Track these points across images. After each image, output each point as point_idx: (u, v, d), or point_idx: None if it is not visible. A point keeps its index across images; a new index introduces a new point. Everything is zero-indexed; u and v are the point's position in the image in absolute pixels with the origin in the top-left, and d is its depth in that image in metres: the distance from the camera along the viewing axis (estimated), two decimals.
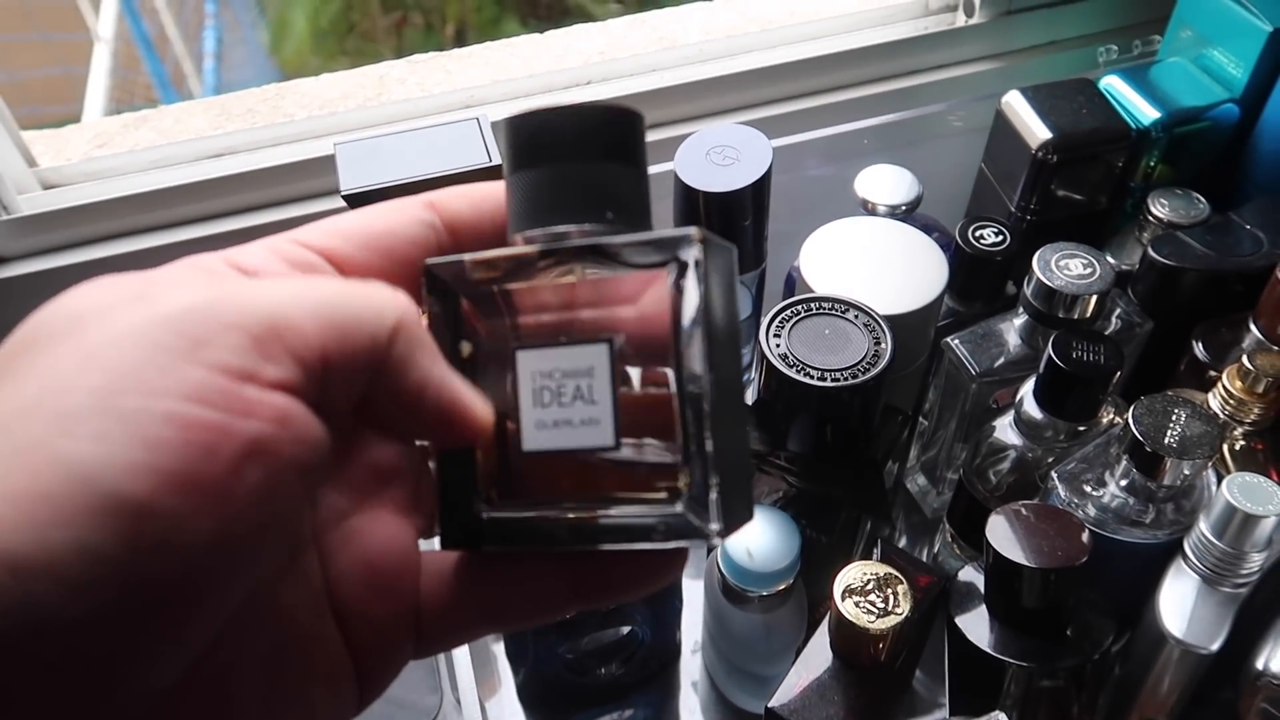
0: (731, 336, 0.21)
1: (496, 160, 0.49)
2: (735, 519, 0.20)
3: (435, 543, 0.23)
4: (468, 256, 0.21)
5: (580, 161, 0.21)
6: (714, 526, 0.20)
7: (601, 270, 0.21)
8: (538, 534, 0.21)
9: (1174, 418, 0.44)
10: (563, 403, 0.21)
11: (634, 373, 0.20)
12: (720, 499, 0.20)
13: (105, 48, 2.46)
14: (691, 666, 0.60)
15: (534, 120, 0.21)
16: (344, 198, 0.48)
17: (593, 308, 0.21)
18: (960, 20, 0.73)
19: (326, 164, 0.64)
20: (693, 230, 0.20)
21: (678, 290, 0.20)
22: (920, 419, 0.61)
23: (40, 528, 0.15)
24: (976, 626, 0.46)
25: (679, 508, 0.20)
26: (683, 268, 0.20)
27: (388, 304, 0.20)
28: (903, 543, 0.67)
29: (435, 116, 0.68)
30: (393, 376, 0.20)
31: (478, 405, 0.21)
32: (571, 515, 0.21)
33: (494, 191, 0.23)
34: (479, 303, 0.22)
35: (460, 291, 0.22)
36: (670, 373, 0.20)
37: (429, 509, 0.23)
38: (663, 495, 0.20)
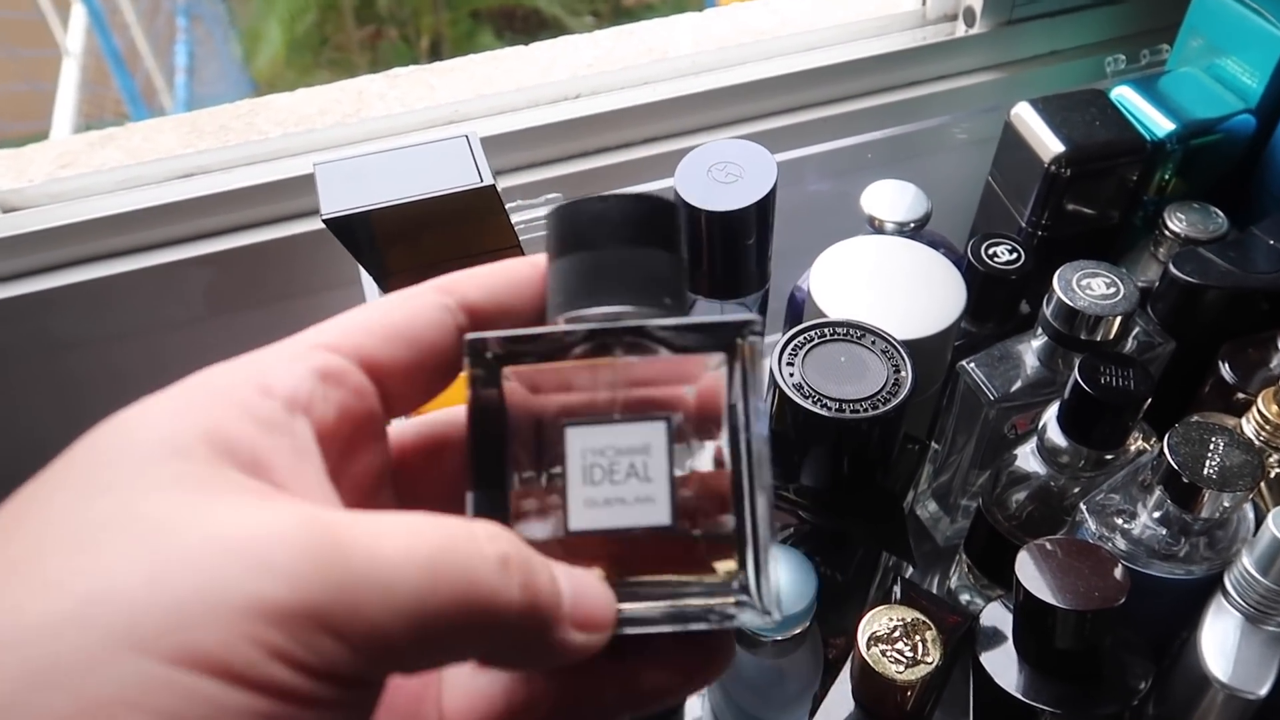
0: (765, 416, 0.21)
1: (488, 180, 0.46)
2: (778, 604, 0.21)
3: None
4: (513, 332, 0.21)
5: (628, 247, 0.22)
6: (773, 612, 0.20)
7: (647, 353, 0.21)
8: None
9: (1212, 446, 0.42)
10: (615, 480, 0.20)
11: (681, 452, 0.20)
12: (772, 580, 0.20)
13: (74, 62, 2.41)
14: (695, 705, 0.57)
15: (582, 210, 0.22)
16: (325, 222, 0.45)
17: (642, 387, 0.21)
18: (960, 30, 0.70)
19: (304, 184, 0.60)
20: (754, 317, 0.21)
21: (730, 372, 0.20)
22: (931, 443, 0.59)
23: None
24: (1005, 670, 0.44)
25: (735, 588, 0.20)
26: (735, 351, 0.20)
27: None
28: (909, 572, 0.64)
29: (418, 133, 0.65)
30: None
31: (600, 606, 0.20)
32: (618, 600, 0.20)
33: (506, 274, 0.23)
34: (523, 379, 0.21)
35: (504, 366, 0.21)
36: (724, 451, 0.20)
37: None
38: (716, 576, 0.20)
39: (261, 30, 2.76)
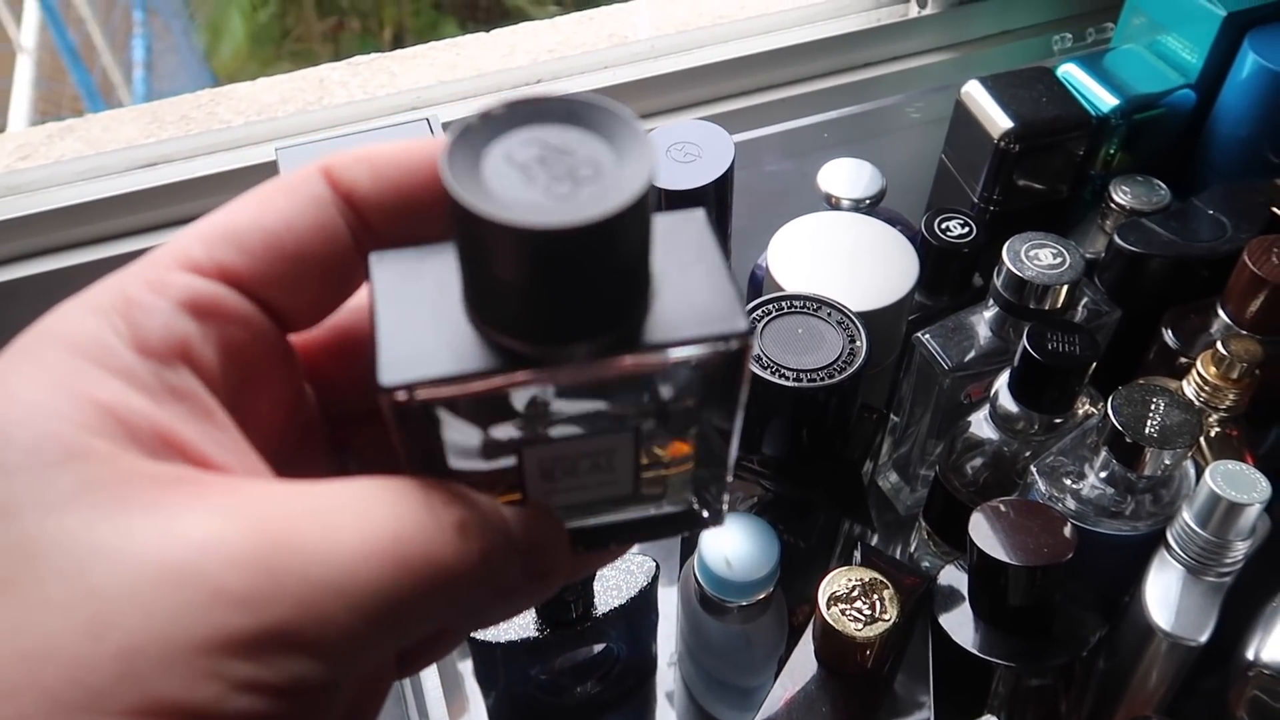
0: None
1: None
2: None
3: None
4: (444, 390, 0.16)
5: (608, 264, 0.16)
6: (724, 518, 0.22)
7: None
8: None
9: (1153, 407, 0.44)
10: (578, 475, 0.19)
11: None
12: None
13: (28, 59, 2.37)
14: (667, 678, 0.58)
15: (549, 238, 0.15)
16: None
17: (601, 394, 0.18)
18: (913, 11, 0.72)
19: (267, 171, 0.61)
20: (741, 325, 0.17)
21: (706, 379, 0.18)
22: (891, 415, 0.60)
23: None
24: (961, 628, 0.45)
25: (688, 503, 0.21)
26: (719, 358, 0.17)
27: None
28: (874, 540, 0.66)
29: (380, 119, 0.66)
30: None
31: (557, 553, 0.20)
32: (579, 523, 0.21)
33: (400, 159, 0.19)
34: (461, 412, 0.18)
35: (441, 408, 0.17)
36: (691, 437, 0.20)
37: None
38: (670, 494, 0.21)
39: (222, 23, 2.73)
